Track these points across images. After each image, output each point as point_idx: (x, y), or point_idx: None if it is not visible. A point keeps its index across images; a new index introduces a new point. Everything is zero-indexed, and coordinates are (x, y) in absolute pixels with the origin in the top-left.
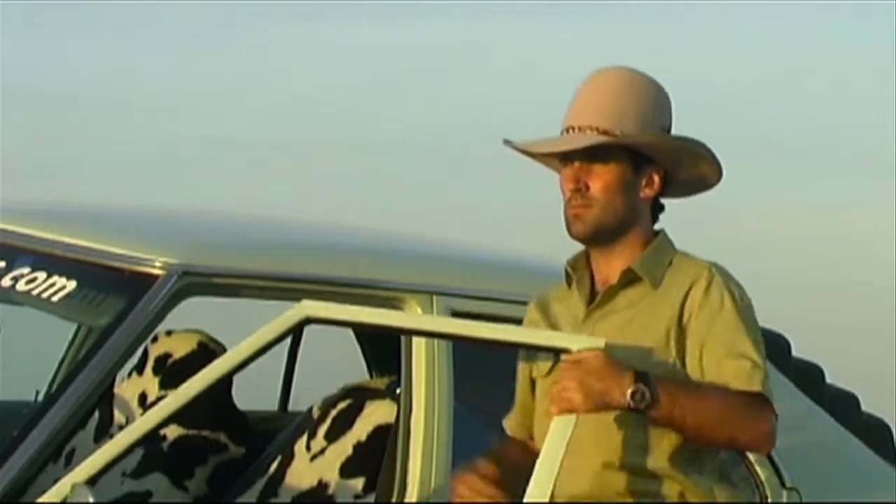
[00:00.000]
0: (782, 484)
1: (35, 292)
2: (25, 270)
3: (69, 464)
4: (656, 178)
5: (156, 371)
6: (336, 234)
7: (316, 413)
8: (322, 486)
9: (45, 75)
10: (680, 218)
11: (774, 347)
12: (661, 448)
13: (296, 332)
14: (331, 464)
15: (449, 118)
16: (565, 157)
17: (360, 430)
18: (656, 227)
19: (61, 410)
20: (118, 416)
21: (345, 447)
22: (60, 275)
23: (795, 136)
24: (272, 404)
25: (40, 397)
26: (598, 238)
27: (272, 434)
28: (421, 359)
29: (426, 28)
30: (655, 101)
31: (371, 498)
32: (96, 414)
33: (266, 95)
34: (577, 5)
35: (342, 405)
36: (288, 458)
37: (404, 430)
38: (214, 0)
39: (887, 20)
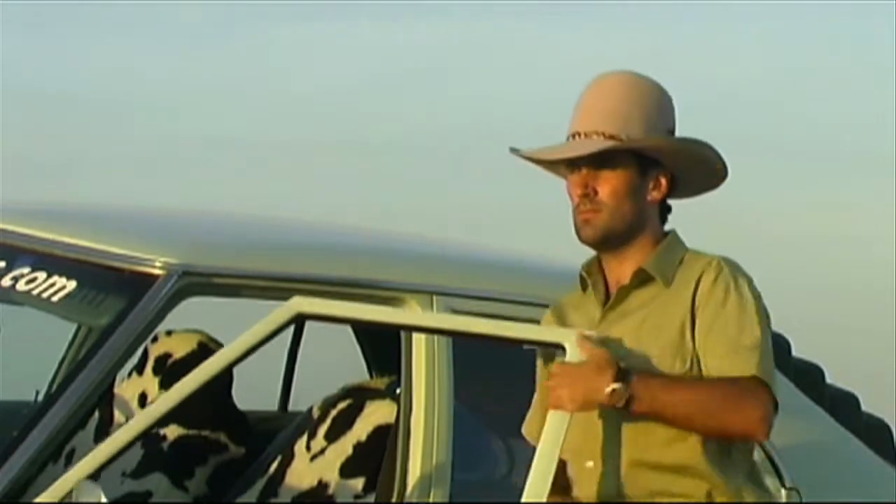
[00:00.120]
0: (782, 484)
1: (35, 292)
2: (25, 270)
3: (69, 464)
4: (663, 181)
5: (156, 371)
6: (336, 234)
7: (316, 413)
8: (322, 486)
9: (45, 75)
10: (679, 218)
11: (774, 347)
12: (688, 444)
13: (295, 331)
14: (331, 464)
15: (449, 118)
16: (572, 163)
17: (360, 430)
18: (666, 227)
19: (61, 410)
20: (118, 416)
21: (345, 447)
22: (60, 275)
23: (795, 136)
24: (272, 404)
25: (40, 397)
26: (608, 242)
27: (272, 434)
28: (421, 359)
29: (426, 28)
30: (659, 105)
31: (371, 498)
32: (96, 414)
33: (266, 95)
34: (577, 5)
35: (342, 405)
36: (288, 458)
37: (404, 430)
38: (214, 0)
39: (887, 20)
